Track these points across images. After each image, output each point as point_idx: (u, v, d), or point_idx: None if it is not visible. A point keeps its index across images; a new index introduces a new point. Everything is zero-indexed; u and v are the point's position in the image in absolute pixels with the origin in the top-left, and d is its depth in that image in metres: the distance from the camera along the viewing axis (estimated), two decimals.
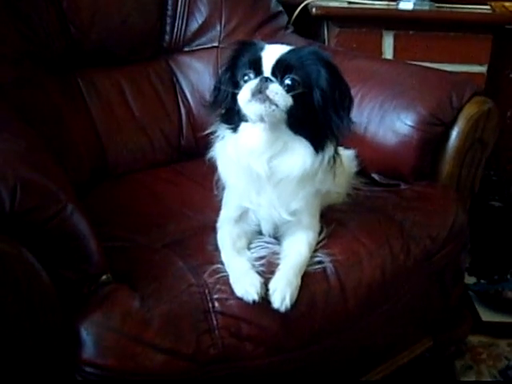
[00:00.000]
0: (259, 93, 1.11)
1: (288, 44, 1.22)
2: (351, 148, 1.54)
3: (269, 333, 1.14)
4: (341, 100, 1.16)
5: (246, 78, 1.16)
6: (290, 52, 1.17)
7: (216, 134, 1.26)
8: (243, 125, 1.19)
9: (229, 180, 1.27)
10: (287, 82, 1.14)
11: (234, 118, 1.20)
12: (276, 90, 1.12)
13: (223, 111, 1.23)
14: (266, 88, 1.12)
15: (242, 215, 1.27)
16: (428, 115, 1.51)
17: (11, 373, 1.02)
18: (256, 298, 1.10)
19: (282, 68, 1.14)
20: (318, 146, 1.17)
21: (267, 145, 1.17)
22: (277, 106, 1.12)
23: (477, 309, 2.00)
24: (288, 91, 1.13)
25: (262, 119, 1.15)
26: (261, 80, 1.13)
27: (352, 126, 1.18)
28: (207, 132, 1.29)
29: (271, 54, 1.16)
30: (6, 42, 1.51)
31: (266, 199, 1.21)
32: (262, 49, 1.18)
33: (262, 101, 1.12)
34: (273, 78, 1.14)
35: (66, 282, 1.07)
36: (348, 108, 1.18)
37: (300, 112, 1.15)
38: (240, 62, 1.20)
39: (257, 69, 1.15)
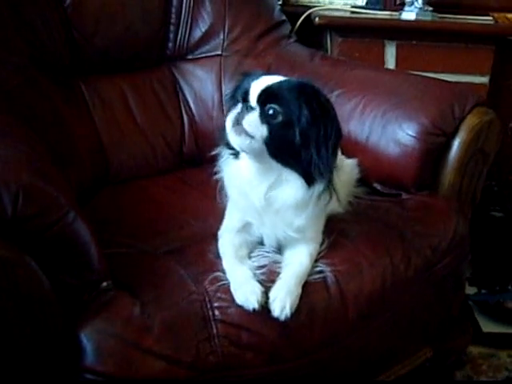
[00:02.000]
0: (237, 124, 1.13)
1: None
2: (352, 157, 1.54)
3: (269, 341, 1.14)
4: (324, 139, 1.14)
5: (236, 105, 1.17)
6: (278, 82, 1.17)
7: (221, 155, 1.27)
8: (242, 154, 1.20)
9: (233, 196, 1.27)
10: (269, 110, 1.14)
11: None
12: (250, 121, 1.12)
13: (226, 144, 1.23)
14: (243, 118, 1.13)
15: (245, 226, 1.27)
16: (430, 125, 1.52)
17: (11, 378, 1.02)
18: (256, 306, 1.10)
19: (265, 97, 1.14)
20: (308, 178, 1.16)
21: (261, 176, 1.18)
22: (252, 137, 1.12)
23: (477, 319, 2.00)
24: (267, 119, 1.13)
25: (243, 151, 1.16)
26: (241, 108, 1.14)
27: (333, 166, 1.16)
28: (213, 153, 1.30)
29: (260, 83, 1.16)
30: (11, 48, 1.52)
31: (269, 219, 1.22)
32: (256, 78, 1.18)
33: (238, 133, 1.13)
34: (255, 107, 1.14)
35: (67, 288, 1.07)
36: (333, 145, 1.15)
37: (280, 143, 1.14)
38: (238, 90, 1.21)
39: (245, 97, 1.16)
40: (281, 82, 1.18)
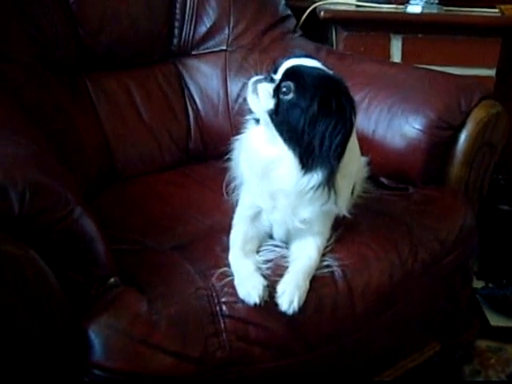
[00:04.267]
0: (255, 84, 1.21)
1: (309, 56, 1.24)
2: (364, 154, 1.52)
3: (276, 336, 1.14)
4: (330, 135, 1.13)
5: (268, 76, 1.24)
6: (309, 67, 1.19)
7: (246, 122, 1.32)
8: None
9: (244, 173, 1.30)
10: (283, 85, 1.18)
11: None
12: (264, 89, 1.20)
13: None
14: (260, 83, 1.20)
15: (257, 214, 1.28)
16: (436, 119, 1.51)
17: (19, 374, 1.02)
18: (257, 300, 1.10)
19: (287, 74, 1.19)
20: (304, 165, 1.15)
21: (267, 143, 1.21)
22: (260, 102, 1.19)
23: (485, 313, 1.99)
24: (280, 95, 1.17)
25: (256, 112, 1.23)
26: (265, 77, 1.21)
27: (336, 164, 1.14)
28: (228, 150, 1.37)
29: (295, 61, 1.20)
30: (17, 46, 1.52)
31: (279, 204, 1.22)
32: (296, 57, 1.22)
33: (252, 92, 1.21)
34: (275, 79, 1.19)
35: (75, 284, 1.07)
36: (338, 145, 1.13)
37: (284, 121, 1.18)
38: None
39: (275, 70, 1.22)
40: (311, 67, 1.20)
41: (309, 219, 1.22)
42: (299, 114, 1.15)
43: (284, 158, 1.18)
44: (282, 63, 1.21)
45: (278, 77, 1.20)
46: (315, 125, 1.14)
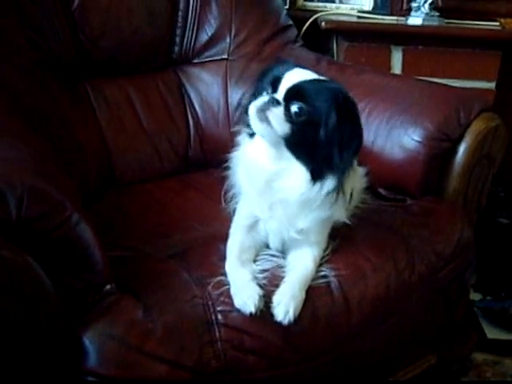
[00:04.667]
0: (262, 112, 1.15)
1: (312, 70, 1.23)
2: (362, 165, 1.53)
3: (271, 346, 1.14)
4: (347, 142, 1.16)
5: (263, 92, 1.19)
6: (310, 81, 1.18)
7: (237, 137, 1.29)
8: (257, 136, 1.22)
9: (243, 186, 1.29)
10: (294, 108, 1.15)
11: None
12: (276, 116, 1.15)
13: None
14: (268, 110, 1.15)
15: (254, 224, 1.27)
16: (435, 131, 1.51)
17: (13, 380, 1.02)
18: (253, 310, 1.10)
19: (294, 94, 1.16)
20: (315, 175, 1.17)
21: (271, 159, 1.20)
22: (273, 129, 1.15)
23: (482, 326, 1.99)
24: (291, 116, 1.15)
25: (262, 136, 1.19)
26: (269, 100, 1.16)
27: (350, 167, 1.19)
28: (233, 130, 1.34)
29: (293, 77, 1.18)
30: (18, 50, 1.52)
31: (276, 214, 1.22)
32: (288, 69, 1.20)
33: (261, 120, 1.15)
34: (281, 101, 1.16)
35: (70, 290, 1.07)
36: (354, 151, 1.18)
37: (300, 140, 1.17)
38: (269, 75, 1.22)
39: (274, 87, 1.18)
40: (311, 81, 1.19)
41: (306, 229, 1.22)
42: (316, 129, 1.15)
43: (291, 170, 1.18)
44: (275, 77, 1.18)
45: (280, 96, 1.16)
46: (333, 137, 1.15)
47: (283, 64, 1.23)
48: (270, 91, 1.18)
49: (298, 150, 1.17)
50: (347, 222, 1.29)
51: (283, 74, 1.19)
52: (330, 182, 1.17)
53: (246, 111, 1.22)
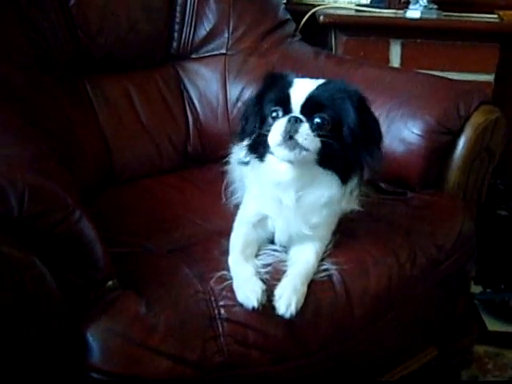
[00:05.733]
0: (289, 138, 1.11)
1: (317, 78, 1.21)
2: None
3: (274, 340, 1.14)
4: (370, 135, 1.17)
5: (274, 114, 1.16)
6: (318, 88, 1.17)
7: (239, 157, 1.27)
8: (270, 157, 1.18)
9: (252, 188, 1.28)
10: (317, 120, 1.14)
11: (260, 149, 1.19)
12: (305, 135, 1.11)
13: (250, 142, 1.22)
14: (296, 132, 1.11)
15: (261, 220, 1.27)
16: (435, 124, 1.51)
17: (17, 377, 1.02)
18: (255, 304, 1.10)
19: (311, 106, 1.14)
20: (344, 178, 1.18)
21: (295, 180, 1.17)
22: (306, 150, 1.12)
23: (483, 318, 1.99)
24: (316, 130, 1.12)
25: (290, 162, 1.15)
26: (289, 121, 1.12)
27: (382, 158, 1.20)
28: (226, 154, 1.33)
29: (300, 90, 1.16)
30: (16, 47, 1.52)
31: (287, 212, 1.22)
32: (290, 83, 1.18)
33: (291, 147, 1.11)
34: (302, 118, 1.13)
35: (73, 287, 1.07)
36: (378, 142, 1.19)
37: (329, 150, 1.14)
38: (268, 95, 1.19)
39: (285, 106, 1.15)
40: (321, 86, 1.17)
41: (318, 224, 1.23)
42: (340, 133, 1.14)
43: (318, 180, 1.17)
44: (282, 97, 1.15)
45: (296, 112, 1.13)
46: (358, 138, 1.15)
47: (282, 80, 1.20)
48: (281, 112, 1.15)
49: (330, 160, 1.15)
50: (360, 208, 1.31)
51: (288, 90, 1.16)
52: (354, 178, 1.19)
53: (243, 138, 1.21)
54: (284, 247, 1.28)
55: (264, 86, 1.23)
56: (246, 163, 1.24)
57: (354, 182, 1.19)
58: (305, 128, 1.12)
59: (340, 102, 1.16)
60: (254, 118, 1.21)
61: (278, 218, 1.24)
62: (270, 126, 1.15)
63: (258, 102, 1.22)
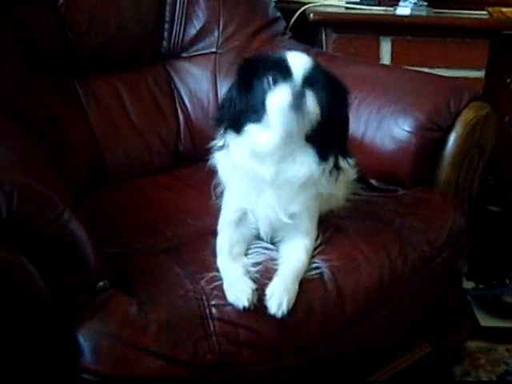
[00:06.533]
0: (296, 104, 1.10)
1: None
2: (352, 155, 1.53)
3: (266, 339, 1.14)
4: (346, 122, 1.23)
5: (272, 80, 1.14)
6: (315, 68, 1.17)
7: (218, 144, 1.26)
8: (251, 126, 1.17)
9: (230, 183, 1.28)
10: (318, 94, 1.14)
11: (239, 120, 1.18)
12: (311, 102, 1.12)
13: (229, 118, 1.20)
14: (304, 99, 1.11)
15: (242, 218, 1.27)
16: (426, 120, 1.52)
17: (9, 379, 1.02)
18: (246, 304, 1.10)
19: (311, 81, 1.14)
20: (322, 156, 1.19)
21: (277, 149, 1.17)
22: (309, 118, 1.12)
23: (475, 314, 2.00)
24: (318, 103, 1.14)
25: (289, 128, 1.14)
26: (296, 87, 1.11)
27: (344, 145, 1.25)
28: (210, 146, 1.30)
29: (299, 63, 1.15)
30: (4, 47, 1.51)
31: (265, 199, 1.22)
32: (285, 54, 1.17)
33: (297, 112, 1.11)
34: (303, 89, 1.12)
35: (63, 288, 1.06)
36: (346, 138, 1.25)
37: (319, 126, 1.16)
38: (258, 72, 1.17)
39: (285, 73, 1.14)
40: (317, 67, 1.17)
41: (296, 213, 1.22)
42: (327, 113, 1.16)
43: (298, 154, 1.18)
44: (281, 66, 1.15)
45: (297, 81, 1.12)
46: (338, 118, 1.19)
47: (267, 57, 1.22)
48: (279, 78, 1.13)
49: (313, 135, 1.17)
50: (337, 193, 1.35)
51: (286, 58, 1.15)
52: (331, 160, 1.20)
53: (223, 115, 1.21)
54: (273, 244, 1.27)
55: (246, 67, 1.22)
56: (222, 147, 1.22)
57: (330, 162, 1.20)
58: (311, 97, 1.12)
59: (333, 88, 1.18)
60: (237, 96, 1.19)
61: (256, 208, 1.24)
62: (266, 91, 1.14)
63: (242, 84, 1.20)
